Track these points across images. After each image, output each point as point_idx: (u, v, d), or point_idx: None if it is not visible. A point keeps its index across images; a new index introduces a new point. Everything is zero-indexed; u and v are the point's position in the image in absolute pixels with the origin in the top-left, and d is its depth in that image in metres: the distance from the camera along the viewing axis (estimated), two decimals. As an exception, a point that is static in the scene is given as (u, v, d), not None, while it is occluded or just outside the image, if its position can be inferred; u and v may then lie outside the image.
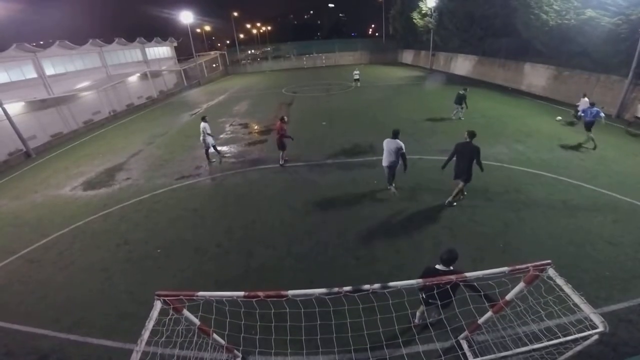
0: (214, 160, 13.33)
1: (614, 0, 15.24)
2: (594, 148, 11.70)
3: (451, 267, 4.38)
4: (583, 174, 9.93)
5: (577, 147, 12.04)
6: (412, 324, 5.10)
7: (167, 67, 38.03)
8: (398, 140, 8.64)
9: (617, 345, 4.73)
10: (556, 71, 20.37)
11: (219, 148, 13.66)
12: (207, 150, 13.08)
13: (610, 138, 12.88)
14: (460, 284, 3.75)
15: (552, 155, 11.44)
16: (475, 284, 3.94)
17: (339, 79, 32.66)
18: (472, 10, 27.52)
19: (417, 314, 5.21)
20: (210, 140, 12.78)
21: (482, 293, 3.91)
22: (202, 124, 12.56)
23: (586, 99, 13.66)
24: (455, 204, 8.67)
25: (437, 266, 4.45)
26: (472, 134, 7.88)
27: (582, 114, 12.21)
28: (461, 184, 8.24)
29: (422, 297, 4.51)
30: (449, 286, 3.37)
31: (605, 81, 16.87)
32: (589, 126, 11.68)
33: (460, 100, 16.05)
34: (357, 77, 28.92)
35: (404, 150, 8.63)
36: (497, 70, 26.94)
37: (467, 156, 7.86)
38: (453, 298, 3.92)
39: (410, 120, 16.71)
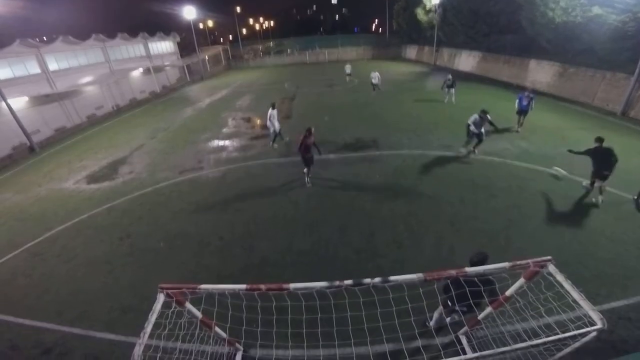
0: (275, 145, 13.82)
1: (621, -2, 15.09)
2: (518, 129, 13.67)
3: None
4: (587, 171, 9.86)
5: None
6: (427, 326, 4.92)
7: (170, 62, 37.96)
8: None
9: (615, 342, 4.74)
10: (561, 68, 20.19)
11: (223, 143, 13.69)
12: (274, 133, 13.60)
13: (614, 136, 12.78)
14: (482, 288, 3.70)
15: (556, 152, 11.37)
16: (496, 287, 3.94)
17: (341, 75, 32.48)
18: (477, 7, 27.28)
19: (435, 315, 4.92)
20: (276, 125, 13.36)
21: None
22: (270, 111, 13.14)
23: None
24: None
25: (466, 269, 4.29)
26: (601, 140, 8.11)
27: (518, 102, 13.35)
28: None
29: (449, 304, 4.30)
30: (481, 288, 3.42)
31: (610, 79, 16.72)
32: (524, 112, 13.23)
33: (452, 85, 18.32)
34: (348, 71, 29.83)
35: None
36: (501, 67, 26.73)
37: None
38: (483, 295, 3.76)
39: (413, 116, 16.68)
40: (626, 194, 8.47)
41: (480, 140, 11.17)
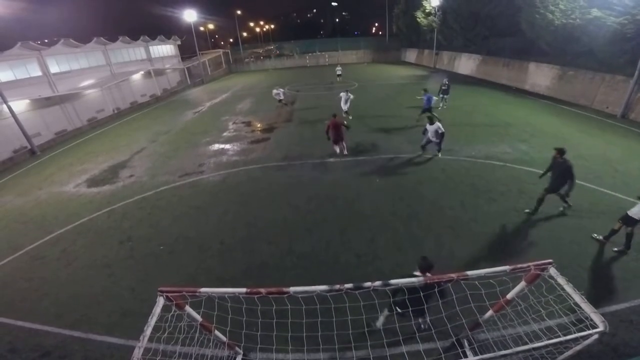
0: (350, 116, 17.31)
1: (620, 0, 15.13)
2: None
3: (428, 274, 4.32)
4: (586, 174, 9.87)
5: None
6: (372, 328, 4.90)
7: (171, 65, 38.15)
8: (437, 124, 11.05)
9: (617, 345, 4.72)
10: (560, 71, 20.26)
11: (224, 146, 13.73)
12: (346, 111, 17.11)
13: (615, 139, 12.81)
14: (436, 290, 3.82)
15: (556, 155, 11.37)
16: (445, 287, 4.01)
17: (343, 78, 32.66)
18: (477, 10, 27.39)
19: (381, 318, 4.98)
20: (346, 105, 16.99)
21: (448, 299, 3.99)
22: (346, 96, 17.03)
23: None
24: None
25: (415, 272, 4.44)
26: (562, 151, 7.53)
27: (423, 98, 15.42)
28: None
29: (396, 309, 4.50)
30: (421, 294, 3.43)
31: (610, 81, 16.76)
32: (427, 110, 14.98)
33: (447, 90, 18.27)
34: (339, 72, 32.46)
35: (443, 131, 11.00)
36: (501, 70, 26.82)
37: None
38: (425, 306, 3.83)
39: (412, 119, 16.69)
40: (626, 196, 8.44)
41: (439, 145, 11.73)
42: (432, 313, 4.90)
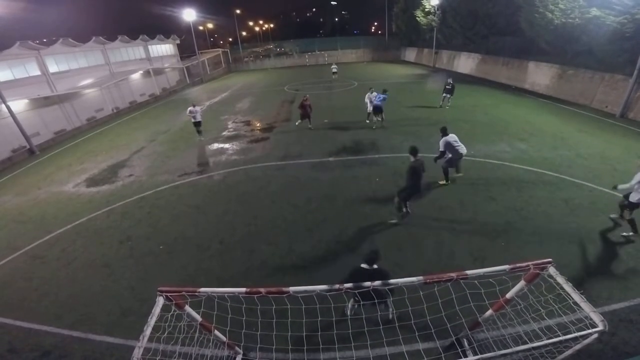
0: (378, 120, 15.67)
1: (620, 0, 15.15)
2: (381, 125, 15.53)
3: (375, 266, 4.67)
4: (586, 173, 9.89)
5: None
6: (346, 316, 5.10)
7: (170, 64, 38.07)
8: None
9: (617, 344, 4.73)
10: (560, 70, 20.26)
11: (223, 146, 13.73)
12: (369, 114, 16.04)
13: (614, 138, 12.82)
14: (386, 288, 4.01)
15: (555, 154, 11.39)
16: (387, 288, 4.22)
17: (340, 77, 32.68)
18: (476, 9, 27.38)
19: (349, 306, 5.28)
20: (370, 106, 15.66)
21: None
22: (370, 95, 15.72)
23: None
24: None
25: (362, 265, 4.71)
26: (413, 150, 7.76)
27: (374, 100, 15.26)
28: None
29: (356, 296, 4.76)
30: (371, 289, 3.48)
31: (609, 80, 16.77)
32: (378, 110, 15.09)
33: (451, 90, 17.84)
34: (334, 70, 33.32)
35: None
36: (500, 69, 26.81)
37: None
38: (376, 300, 4.08)
39: (412, 119, 16.71)
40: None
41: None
42: (431, 312, 4.92)
